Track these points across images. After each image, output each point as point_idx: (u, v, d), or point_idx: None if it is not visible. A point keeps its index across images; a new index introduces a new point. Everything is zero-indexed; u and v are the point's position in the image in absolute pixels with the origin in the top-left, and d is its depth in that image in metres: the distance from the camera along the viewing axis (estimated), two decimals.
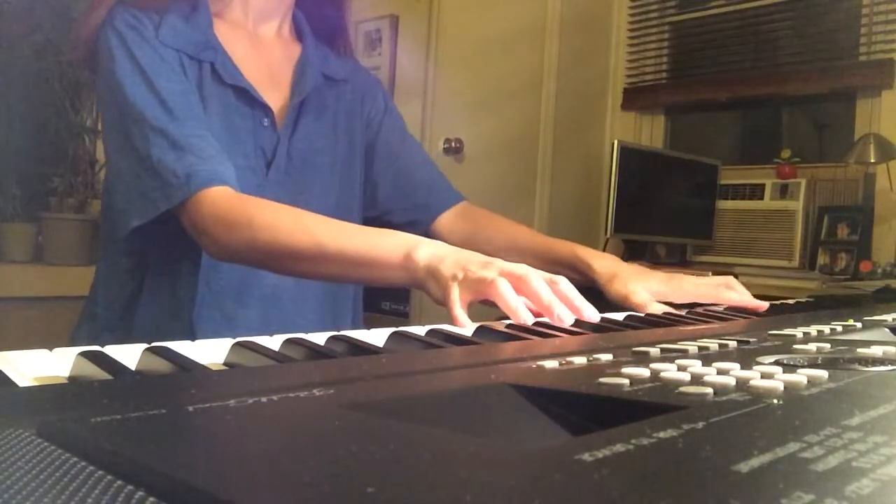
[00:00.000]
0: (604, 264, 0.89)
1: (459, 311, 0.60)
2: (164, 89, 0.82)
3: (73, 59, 1.37)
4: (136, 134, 0.80)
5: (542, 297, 0.59)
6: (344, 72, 1.02)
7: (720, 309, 0.80)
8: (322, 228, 0.74)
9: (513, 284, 0.60)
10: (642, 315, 0.72)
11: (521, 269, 0.62)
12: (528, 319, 0.58)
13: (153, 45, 0.84)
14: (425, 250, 0.67)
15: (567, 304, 0.61)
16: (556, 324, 0.58)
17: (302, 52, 0.99)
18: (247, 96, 0.90)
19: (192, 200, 0.77)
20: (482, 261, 0.64)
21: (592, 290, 0.88)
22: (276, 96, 0.93)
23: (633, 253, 2.55)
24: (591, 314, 0.62)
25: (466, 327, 0.57)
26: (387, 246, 0.70)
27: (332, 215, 1.00)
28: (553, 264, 0.94)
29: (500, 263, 0.63)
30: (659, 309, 0.80)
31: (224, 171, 0.79)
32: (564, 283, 0.63)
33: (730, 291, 0.84)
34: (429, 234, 1.06)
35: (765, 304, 0.83)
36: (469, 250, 0.67)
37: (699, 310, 0.79)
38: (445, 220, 1.05)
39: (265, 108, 0.91)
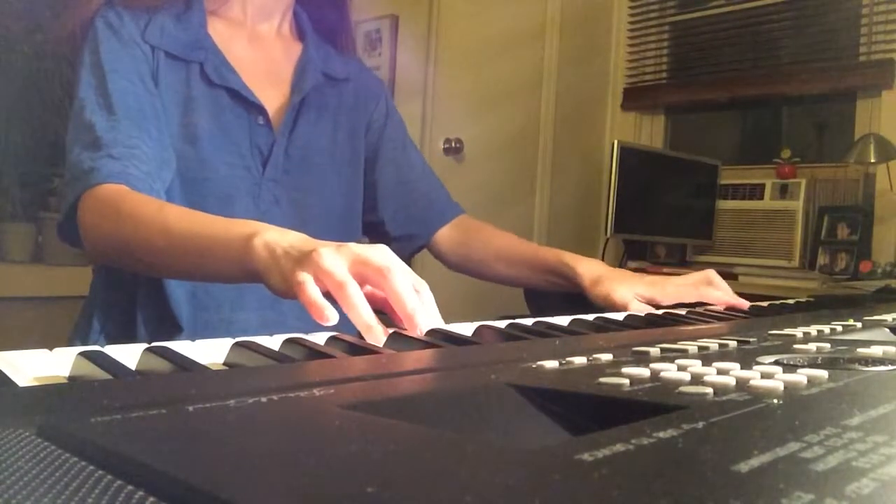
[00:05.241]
0: (588, 268, 0.90)
1: (317, 297, 0.52)
2: (113, 87, 0.80)
3: (63, 52, 1.35)
4: (72, 127, 0.80)
5: (405, 302, 0.52)
6: (346, 71, 1.01)
7: (720, 309, 0.81)
8: (175, 215, 0.69)
9: (369, 278, 0.53)
10: (642, 315, 0.72)
11: (383, 260, 0.53)
12: (378, 334, 0.50)
13: (126, 43, 0.83)
14: (271, 234, 0.60)
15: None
16: (410, 334, 0.50)
17: (303, 50, 0.98)
18: (238, 96, 0.89)
19: (85, 195, 0.74)
20: (331, 248, 0.55)
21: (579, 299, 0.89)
22: (275, 95, 0.92)
23: (632, 253, 2.55)
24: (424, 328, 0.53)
25: (333, 321, 0.50)
26: (231, 229, 0.63)
27: (338, 217, 0.97)
28: (541, 272, 0.96)
29: (354, 248, 0.54)
30: (640, 308, 0.80)
31: (132, 172, 0.75)
32: (426, 290, 0.56)
33: (710, 289, 0.86)
34: (427, 248, 1.07)
35: (746, 303, 0.84)
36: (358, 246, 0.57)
37: (699, 309, 0.79)
38: (442, 233, 1.05)
39: (258, 108, 0.89)
